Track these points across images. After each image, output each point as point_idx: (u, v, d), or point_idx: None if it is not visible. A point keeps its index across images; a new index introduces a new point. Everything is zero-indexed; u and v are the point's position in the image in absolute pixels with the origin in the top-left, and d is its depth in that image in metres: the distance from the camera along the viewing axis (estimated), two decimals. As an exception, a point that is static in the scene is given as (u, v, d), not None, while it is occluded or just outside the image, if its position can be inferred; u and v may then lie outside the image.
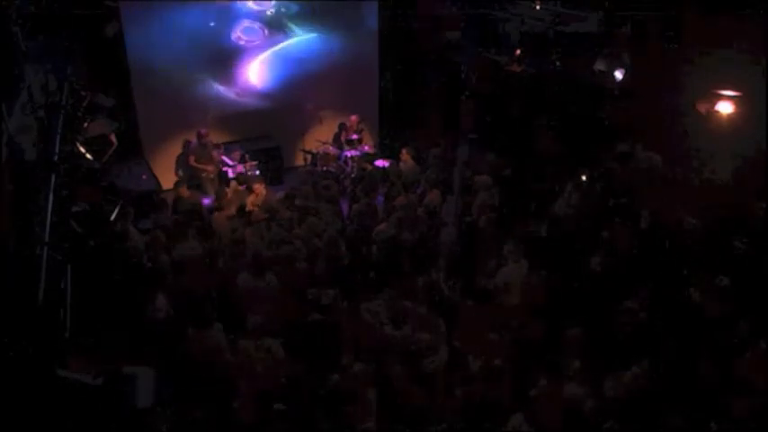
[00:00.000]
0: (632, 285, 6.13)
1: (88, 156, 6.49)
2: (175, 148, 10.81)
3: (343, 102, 11.65)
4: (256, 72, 11.22)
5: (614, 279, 6.38)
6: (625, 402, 4.81)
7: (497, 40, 11.00)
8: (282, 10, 10.99)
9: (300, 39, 11.31)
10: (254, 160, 10.52)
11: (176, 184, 9.32)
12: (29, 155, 4.76)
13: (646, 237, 7.10)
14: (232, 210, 8.69)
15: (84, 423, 3.10)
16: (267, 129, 11.43)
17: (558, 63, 9.81)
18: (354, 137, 11.36)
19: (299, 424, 4.77)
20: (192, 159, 10.38)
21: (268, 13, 10.91)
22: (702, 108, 7.80)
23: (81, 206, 5.05)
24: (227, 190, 9.61)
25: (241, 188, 9.52)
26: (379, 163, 10.95)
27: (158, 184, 10.31)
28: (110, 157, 7.69)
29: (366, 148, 11.46)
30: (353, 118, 11.48)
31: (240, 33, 10.81)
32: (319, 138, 11.44)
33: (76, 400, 3.09)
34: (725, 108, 7.65)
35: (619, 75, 9.05)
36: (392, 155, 10.95)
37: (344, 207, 9.31)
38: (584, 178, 8.37)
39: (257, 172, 10.37)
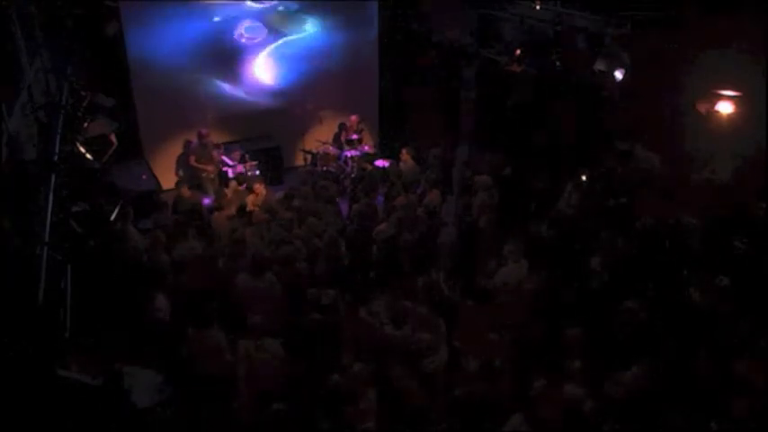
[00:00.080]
0: (632, 285, 6.13)
1: (88, 156, 6.49)
2: (175, 148, 10.81)
3: (343, 102, 11.66)
4: (257, 71, 11.22)
5: (614, 279, 6.38)
6: (625, 402, 4.81)
7: (497, 40, 10.99)
8: (281, 9, 10.99)
9: (301, 36, 11.31)
10: (254, 160, 10.52)
11: (177, 184, 9.32)
12: (29, 155, 4.76)
13: (646, 236, 7.10)
14: (232, 210, 8.69)
15: (84, 423, 3.10)
16: (267, 129, 11.43)
17: (558, 63, 9.80)
18: (354, 137, 11.37)
19: (299, 424, 4.76)
20: (192, 159, 10.38)
21: (268, 10, 10.92)
22: (702, 108, 7.79)
23: (81, 206, 5.05)
24: (227, 190, 9.61)
25: (241, 188, 9.52)
26: (379, 163, 10.95)
27: (158, 184, 10.31)
28: (110, 157, 7.70)
29: (366, 148, 11.46)
30: (353, 118, 11.48)
31: (242, 31, 10.82)
32: (319, 138, 11.44)
33: (76, 400, 3.09)
34: (725, 108, 7.65)
35: (619, 75, 9.05)
36: (392, 155, 10.96)
37: (344, 207, 9.32)
38: (584, 178, 8.38)
39: (257, 172, 10.37)
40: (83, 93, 7.44)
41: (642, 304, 5.65)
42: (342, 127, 11.59)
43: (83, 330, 3.97)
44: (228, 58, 10.83)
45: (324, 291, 6.10)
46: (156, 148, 10.74)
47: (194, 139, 10.51)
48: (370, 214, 8.40)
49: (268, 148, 11.23)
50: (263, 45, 11.11)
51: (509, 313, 6.10)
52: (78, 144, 6.43)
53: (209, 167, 10.37)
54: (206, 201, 9.53)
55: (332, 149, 11.27)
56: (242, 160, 10.43)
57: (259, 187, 9.10)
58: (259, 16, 10.91)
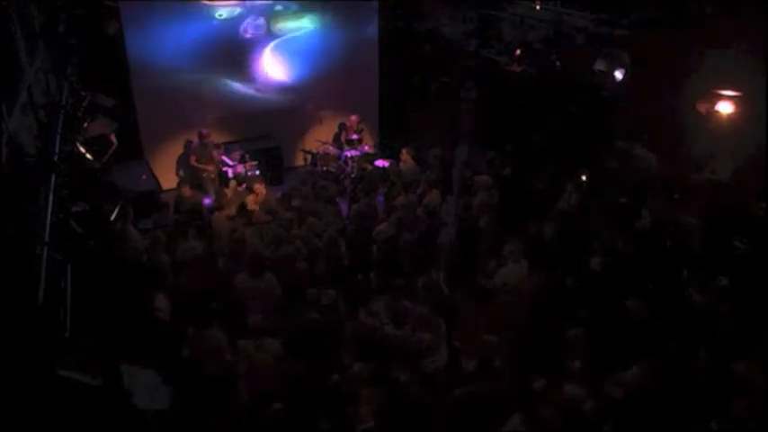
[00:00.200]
0: (632, 285, 6.13)
1: (88, 156, 6.48)
2: (175, 148, 10.81)
3: (343, 102, 11.66)
4: (256, 71, 11.22)
5: (614, 279, 6.38)
6: (625, 402, 4.81)
7: (497, 40, 11.00)
8: (278, 8, 10.99)
9: (300, 36, 11.32)
10: (254, 160, 10.51)
11: (179, 184, 9.33)
12: (29, 155, 4.76)
13: (646, 236, 7.10)
14: (232, 210, 8.69)
15: (84, 423, 3.10)
16: (267, 129, 11.43)
17: (557, 63, 9.80)
18: (354, 137, 11.37)
19: (299, 424, 4.76)
20: (192, 159, 10.38)
21: (267, 9, 10.92)
22: (702, 108, 7.80)
23: (81, 206, 5.04)
24: (227, 190, 9.61)
25: (241, 188, 9.53)
26: (379, 163, 10.95)
27: (158, 184, 10.30)
28: (110, 157, 7.70)
29: (366, 148, 11.46)
30: (353, 118, 11.48)
31: (245, 28, 10.82)
32: (319, 138, 11.44)
33: (76, 400, 3.09)
34: (725, 108, 7.65)
35: (619, 75, 9.05)
36: (392, 155, 10.95)
37: (344, 207, 9.32)
38: (584, 178, 8.38)
39: (257, 172, 10.37)
40: (83, 93, 7.44)
41: (642, 304, 5.65)
42: (342, 127, 11.58)
43: (83, 330, 3.97)
44: (228, 57, 10.82)
45: (324, 291, 6.10)
46: (156, 148, 10.74)
47: (195, 139, 10.51)
48: (370, 214, 8.40)
49: (268, 148, 11.22)
50: (262, 45, 11.11)
51: (509, 313, 6.11)
52: (78, 144, 6.42)
53: (210, 167, 10.37)
54: (206, 201, 9.54)
55: (332, 149, 11.27)
56: (242, 160, 10.43)
57: (259, 187, 9.10)
58: (258, 15, 10.91)
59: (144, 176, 9.98)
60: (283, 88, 11.46)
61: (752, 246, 6.64)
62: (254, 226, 8.04)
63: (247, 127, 11.29)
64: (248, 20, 10.84)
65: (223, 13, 10.52)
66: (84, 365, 3.28)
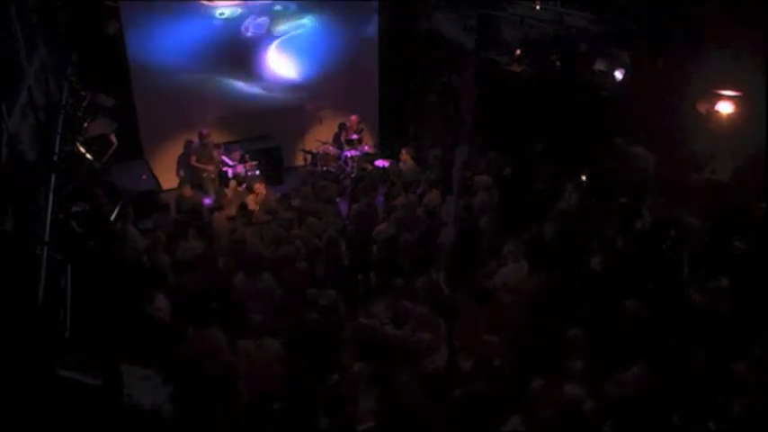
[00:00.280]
0: (632, 285, 6.13)
1: (88, 156, 6.49)
2: (175, 148, 10.81)
3: (343, 102, 11.66)
4: (256, 70, 11.23)
5: (614, 279, 6.38)
6: (625, 402, 4.80)
7: (497, 40, 10.99)
8: (278, 8, 10.99)
9: (300, 36, 11.32)
10: (254, 160, 10.52)
11: (180, 184, 9.33)
12: (29, 155, 4.76)
13: (646, 236, 7.10)
14: (232, 210, 8.69)
15: (84, 423, 3.10)
16: (267, 129, 11.43)
17: (557, 63, 9.80)
18: (354, 137, 11.37)
19: (299, 424, 4.76)
20: (193, 159, 10.38)
21: (267, 9, 10.93)
22: (702, 108, 7.80)
23: (81, 206, 5.04)
24: (227, 190, 9.62)
25: (241, 188, 9.53)
26: (379, 163, 10.95)
27: (158, 184, 10.31)
28: (110, 157, 7.70)
29: (366, 148, 11.46)
30: (353, 118, 11.48)
31: (245, 28, 10.83)
32: (319, 138, 11.45)
33: (76, 400, 3.09)
34: (725, 108, 7.65)
35: (619, 75, 9.05)
36: (392, 155, 10.96)
37: (344, 207, 9.32)
38: (583, 178, 8.38)
39: (257, 172, 10.37)
40: (83, 93, 7.44)
41: (642, 304, 5.65)
42: (342, 127, 11.59)
43: (83, 330, 3.97)
44: (228, 57, 10.83)
45: (323, 291, 6.10)
46: (156, 148, 10.74)
47: (195, 139, 10.51)
48: (371, 214, 8.41)
49: (268, 148, 11.23)
50: (262, 45, 11.12)
51: (509, 313, 6.11)
52: (78, 144, 6.43)
53: (210, 167, 10.38)
54: (207, 201, 9.54)
55: (332, 149, 11.27)
56: (242, 160, 10.43)
57: (259, 187, 9.10)
58: (258, 15, 10.91)
59: (144, 176, 9.99)
60: (283, 88, 11.46)
61: (752, 246, 6.64)
62: (254, 226, 8.04)
63: (247, 127, 11.29)
64: (248, 20, 10.84)
65: (225, 11, 10.52)
66: (84, 365, 3.28)
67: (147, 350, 4.96)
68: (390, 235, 7.60)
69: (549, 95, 9.88)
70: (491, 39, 11.06)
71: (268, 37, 11.11)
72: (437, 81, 11.72)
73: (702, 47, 7.86)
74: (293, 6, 11.08)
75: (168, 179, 10.63)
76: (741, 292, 5.83)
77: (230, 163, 10.45)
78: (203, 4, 10.34)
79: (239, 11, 10.67)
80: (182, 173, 10.77)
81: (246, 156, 10.50)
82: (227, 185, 9.90)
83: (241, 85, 11.15)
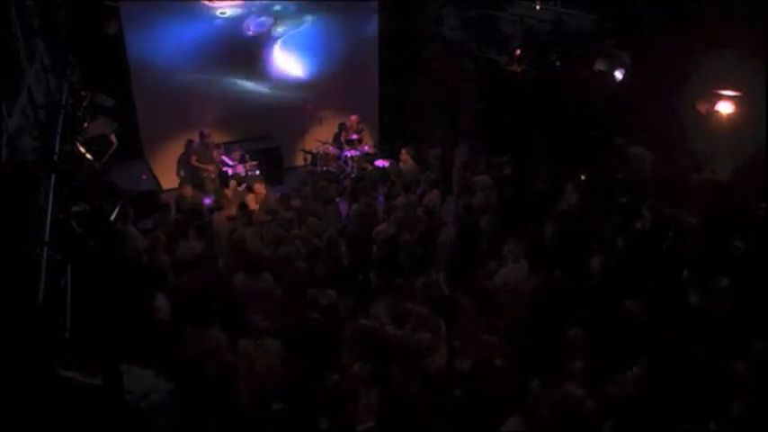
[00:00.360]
0: (632, 285, 6.13)
1: (88, 156, 6.48)
2: (175, 148, 10.82)
3: (343, 102, 11.66)
4: (256, 70, 11.23)
5: (614, 279, 6.38)
6: (625, 403, 4.80)
7: (497, 40, 11.00)
8: (277, 8, 10.99)
9: (300, 36, 11.32)
10: (254, 160, 10.52)
11: (181, 184, 9.33)
12: (29, 155, 4.76)
13: (646, 236, 7.10)
14: (232, 210, 8.69)
15: (84, 423, 3.10)
16: (267, 129, 11.43)
17: (557, 63, 9.81)
18: (354, 137, 11.37)
19: (299, 424, 4.76)
20: (193, 159, 10.38)
21: (266, 9, 10.94)
22: (702, 108, 7.80)
23: (81, 206, 5.04)
24: (227, 190, 9.61)
25: (240, 188, 9.52)
26: (379, 163, 10.96)
27: (158, 184, 10.31)
28: (110, 157, 7.70)
29: (366, 148, 11.47)
30: (353, 118, 11.48)
31: (245, 28, 10.83)
32: (319, 138, 11.45)
33: (76, 400, 3.09)
34: (725, 108, 7.65)
35: (619, 75, 9.06)
36: (392, 155, 10.96)
37: (344, 207, 9.32)
38: (583, 178, 8.38)
39: (257, 172, 10.37)
40: (83, 93, 7.44)
41: (642, 304, 5.65)
42: (342, 127, 11.59)
43: (83, 330, 3.97)
44: (228, 57, 10.84)
45: (323, 291, 6.10)
46: (156, 148, 10.75)
47: (196, 139, 10.52)
48: (370, 214, 8.41)
49: (268, 148, 11.23)
50: (262, 45, 11.12)
51: (509, 313, 6.11)
52: (78, 144, 6.42)
53: (211, 167, 10.38)
54: (207, 201, 9.54)
55: (332, 149, 11.27)
56: (242, 160, 10.43)
57: (259, 187, 9.10)
58: (259, 15, 10.91)
59: (144, 176, 9.99)
60: (283, 88, 11.46)
61: (752, 246, 6.64)
62: (254, 226, 8.04)
63: (247, 127, 11.30)
64: (249, 20, 10.84)
65: (226, 11, 10.52)
66: (84, 365, 3.28)
67: (147, 350, 4.96)
68: (390, 235, 7.59)
69: (549, 95, 9.89)
70: (491, 39, 11.07)
71: (268, 37, 11.11)
72: (437, 81, 11.72)
73: (702, 47, 7.86)
74: (293, 6, 11.09)
75: (168, 179, 10.63)
76: (741, 292, 5.83)
77: (230, 163, 10.45)
78: (203, 4, 10.34)
79: (239, 10, 10.68)
80: (182, 173, 10.77)
81: (246, 156, 10.51)
82: (227, 185, 9.90)
83: (241, 85, 11.16)
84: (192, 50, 10.42)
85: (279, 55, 11.32)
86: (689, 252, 6.69)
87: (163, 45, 10.17)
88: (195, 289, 6.36)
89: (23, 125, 4.81)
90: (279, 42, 11.25)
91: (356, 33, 11.66)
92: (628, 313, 5.60)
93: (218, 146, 10.60)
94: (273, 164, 11.19)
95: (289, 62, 11.42)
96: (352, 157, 11.16)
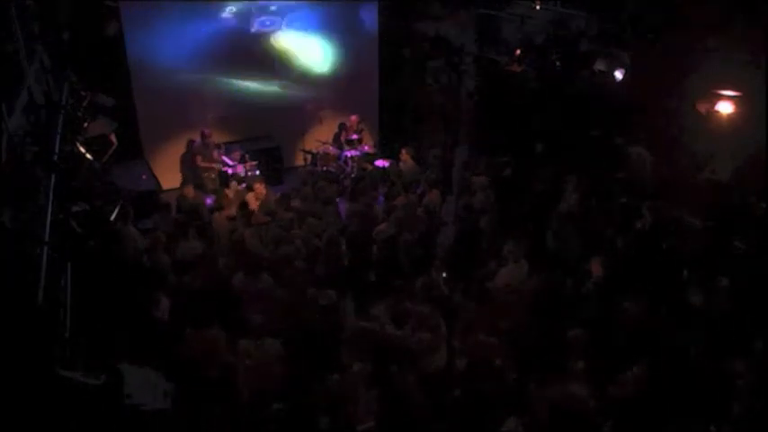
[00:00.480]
0: (632, 285, 6.13)
1: (88, 156, 6.48)
2: (175, 148, 10.82)
3: (343, 102, 11.66)
4: (256, 70, 11.23)
5: (614, 279, 6.38)
6: (625, 403, 4.80)
7: (497, 40, 11.01)
8: (273, 9, 10.99)
9: (301, 34, 11.33)
10: (254, 160, 10.52)
11: (182, 184, 9.33)
12: (29, 155, 4.76)
13: (646, 236, 7.10)
14: (232, 210, 8.69)
15: (84, 423, 3.10)
16: (267, 129, 11.44)
17: (557, 63, 9.81)
18: (354, 137, 11.37)
19: (299, 424, 4.76)
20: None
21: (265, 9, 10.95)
22: (702, 108, 7.79)
23: (81, 206, 5.04)
24: (228, 191, 9.61)
25: (241, 188, 9.52)
26: (379, 163, 10.96)
27: (158, 184, 10.31)
28: (110, 157, 7.70)
29: (366, 148, 11.47)
30: (353, 118, 11.48)
31: (246, 27, 10.84)
32: (319, 138, 11.45)
33: (76, 400, 3.09)
34: (725, 108, 7.65)
35: (619, 75, 9.06)
36: (392, 155, 10.96)
37: (344, 207, 9.32)
38: (583, 178, 8.37)
39: (257, 172, 10.37)
40: (83, 93, 7.44)
41: (642, 304, 5.64)
42: (342, 127, 11.59)
43: (83, 330, 3.97)
44: (227, 57, 10.84)
45: (323, 291, 6.10)
46: (156, 148, 10.75)
47: (197, 139, 10.52)
48: (367, 214, 8.40)
49: (268, 148, 11.23)
50: (262, 44, 11.11)
51: (509, 313, 6.10)
52: (78, 144, 6.42)
53: (214, 167, 10.39)
54: (208, 201, 9.54)
55: (332, 149, 11.27)
56: (242, 160, 10.43)
57: (259, 187, 9.10)
58: (259, 15, 10.91)
59: (144, 176, 9.99)
60: (283, 88, 11.46)
61: (752, 246, 6.64)
62: (254, 227, 8.04)
63: (247, 127, 11.30)
64: (249, 20, 10.84)
65: (233, 7, 10.52)
66: (84, 365, 3.28)
67: (147, 350, 4.96)
68: (390, 235, 7.59)
69: (549, 95, 9.88)
70: (491, 39, 11.07)
71: (268, 36, 11.11)
72: (437, 81, 11.72)
73: (702, 47, 7.86)
74: (293, 6, 11.08)
75: (168, 179, 10.63)
76: (741, 292, 5.83)
77: (230, 163, 10.45)
78: (203, 5, 10.34)
79: (240, 10, 10.68)
80: (184, 172, 10.76)
81: (246, 156, 10.51)
82: (227, 185, 9.90)
83: (241, 85, 11.16)
84: (192, 50, 10.43)
85: (278, 55, 11.32)
86: (689, 252, 6.69)
87: (163, 45, 10.17)
88: (195, 289, 6.37)
89: (23, 125, 4.81)
90: (278, 42, 11.24)
91: (356, 33, 11.66)
92: (628, 313, 5.60)
93: (218, 146, 10.60)
94: (273, 164, 11.19)
95: (288, 62, 11.41)
96: (352, 157, 11.16)
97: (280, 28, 11.17)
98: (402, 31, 11.82)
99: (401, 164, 10.17)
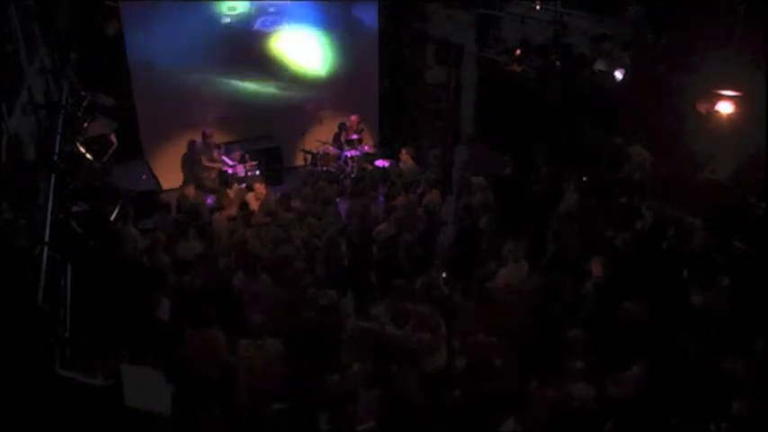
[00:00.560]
0: (632, 285, 6.13)
1: (88, 156, 6.48)
2: (175, 148, 10.80)
3: (343, 102, 11.66)
4: (255, 70, 11.23)
5: (614, 279, 6.38)
6: (625, 403, 4.81)
7: (497, 40, 11.01)
8: (272, 10, 10.99)
9: (301, 34, 11.34)
10: (254, 160, 10.52)
11: (183, 184, 9.33)
12: (29, 155, 4.76)
13: (646, 236, 7.10)
14: (233, 210, 8.69)
15: (84, 423, 3.10)
16: (267, 129, 11.43)
17: (557, 63, 9.81)
18: (354, 137, 11.37)
19: (299, 424, 4.76)
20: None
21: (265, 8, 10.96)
22: (702, 108, 7.79)
23: (81, 206, 5.04)
24: (229, 191, 9.61)
25: (241, 187, 9.52)
26: (379, 163, 10.96)
27: (158, 184, 10.31)
28: (110, 157, 7.70)
29: (366, 148, 11.46)
30: (353, 118, 11.48)
31: (246, 27, 10.84)
32: (319, 138, 11.45)
33: (76, 400, 3.09)
34: (725, 108, 7.64)
35: (619, 75, 9.06)
36: (392, 155, 10.96)
37: (344, 207, 9.32)
38: (584, 178, 8.38)
39: (257, 172, 10.37)
40: (83, 93, 7.44)
41: (642, 304, 5.65)
42: (342, 127, 11.58)
43: (83, 330, 3.97)
44: (227, 57, 10.83)
45: (322, 291, 6.10)
46: (156, 148, 10.74)
47: (198, 140, 10.51)
48: (366, 214, 8.40)
49: (268, 148, 11.23)
50: (262, 44, 11.12)
51: (509, 313, 6.10)
52: (78, 144, 6.43)
53: (215, 167, 10.39)
54: (209, 201, 9.54)
55: (332, 149, 11.27)
56: (242, 160, 10.42)
57: (259, 187, 9.10)
58: (259, 15, 10.92)
59: (144, 176, 9.98)
60: (283, 88, 11.46)
61: (752, 246, 6.64)
62: (255, 227, 8.03)
63: (247, 127, 11.29)
64: (249, 20, 10.85)
65: (236, 6, 10.53)
66: (84, 365, 3.28)
67: (147, 350, 4.96)
68: (390, 235, 7.59)
69: (549, 95, 9.88)
70: (491, 39, 11.08)
71: (268, 37, 11.11)
72: (437, 81, 11.72)
73: (702, 47, 7.86)
74: (293, 6, 11.09)
75: (168, 179, 10.62)
76: (741, 292, 5.83)
77: (230, 163, 10.45)
78: (203, 5, 10.34)
79: (240, 10, 10.68)
80: (185, 172, 10.76)
81: (246, 156, 10.50)
82: (227, 186, 9.89)
83: (241, 85, 11.16)
84: (192, 50, 10.42)
85: (278, 55, 11.32)
86: (689, 252, 6.69)
87: (163, 45, 10.16)
88: (195, 289, 6.37)
89: (23, 125, 4.82)
90: (278, 42, 11.24)
91: (356, 33, 11.66)
92: (628, 313, 5.60)
93: (218, 146, 10.60)
94: (273, 164, 11.18)
95: (288, 62, 11.41)
96: (352, 157, 11.15)
97: (280, 28, 11.17)
98: (402, 31, 11.82)
99: (401, 164, 10.16)
